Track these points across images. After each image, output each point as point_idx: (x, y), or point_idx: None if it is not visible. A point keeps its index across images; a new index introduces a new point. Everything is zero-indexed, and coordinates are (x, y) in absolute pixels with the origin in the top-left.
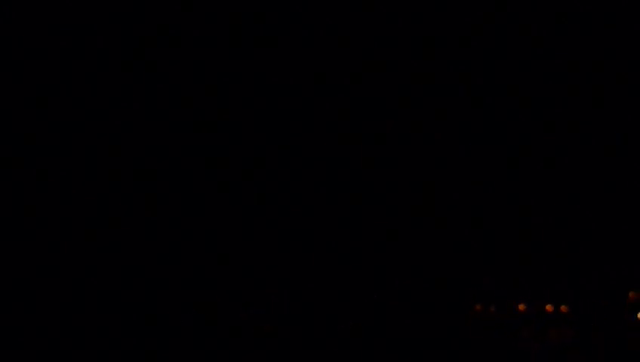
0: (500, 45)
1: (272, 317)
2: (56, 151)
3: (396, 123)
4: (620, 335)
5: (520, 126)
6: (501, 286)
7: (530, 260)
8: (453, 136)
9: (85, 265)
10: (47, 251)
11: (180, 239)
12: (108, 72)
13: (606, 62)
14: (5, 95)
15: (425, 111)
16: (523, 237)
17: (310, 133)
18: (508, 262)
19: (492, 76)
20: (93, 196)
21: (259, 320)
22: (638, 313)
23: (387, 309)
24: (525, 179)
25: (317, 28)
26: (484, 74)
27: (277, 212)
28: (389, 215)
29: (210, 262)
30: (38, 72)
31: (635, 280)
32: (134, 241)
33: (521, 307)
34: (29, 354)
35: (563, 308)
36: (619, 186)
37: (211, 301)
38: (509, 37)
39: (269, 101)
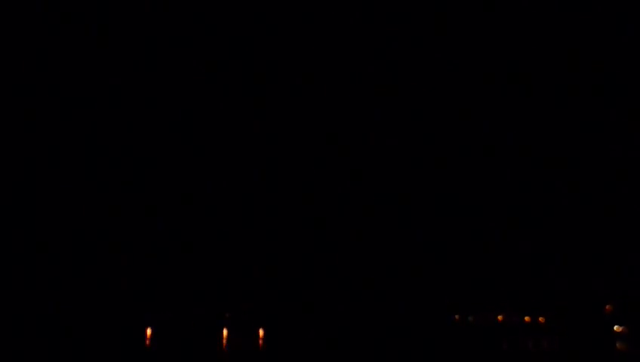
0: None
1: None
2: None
3: (394, 126)
4: (597, 346)
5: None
6: (480, 298)
7: (510, 272)
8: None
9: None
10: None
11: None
12: (107, 73)
13: (606, 63)
14: (5, 95)
15: (423, 116)
16: (503, 250)
17: (309, 134)
18: (488, 274)
19: (491, 77)
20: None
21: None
22: (615, 325)
23: (368, 319)
24: (507, 195)
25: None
26: (483, 75)
27: (273, 214)
28: (371, 229)
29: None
30: (38, 73)
31: (613, 294)
32: (133, 241)
33: (500, 318)
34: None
35: (541, 319)
36: (596, 204)
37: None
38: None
39: (270, 102)
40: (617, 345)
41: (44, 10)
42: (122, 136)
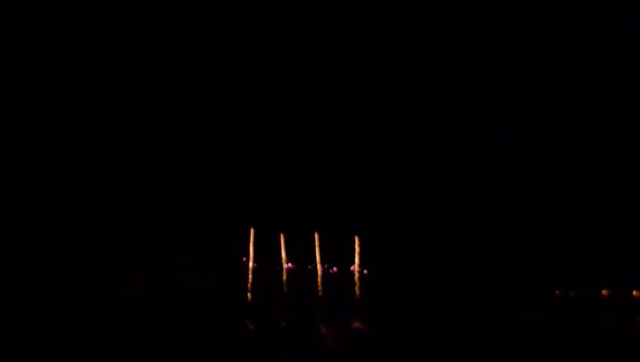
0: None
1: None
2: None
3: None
4: None
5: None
6: (583, 273)
7: (614, 248)
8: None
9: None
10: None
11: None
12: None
13: (606, 63)
14: (6, 95)
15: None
16: (602, 228)
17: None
18: (591, 248)
19: (491, 78)
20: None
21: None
22: None
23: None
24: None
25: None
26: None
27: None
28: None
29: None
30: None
31: None
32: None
33: (604, 292)
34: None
35: None
36: None
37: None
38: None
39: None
40: None
41: (44, 10)
42: (122, 136)
